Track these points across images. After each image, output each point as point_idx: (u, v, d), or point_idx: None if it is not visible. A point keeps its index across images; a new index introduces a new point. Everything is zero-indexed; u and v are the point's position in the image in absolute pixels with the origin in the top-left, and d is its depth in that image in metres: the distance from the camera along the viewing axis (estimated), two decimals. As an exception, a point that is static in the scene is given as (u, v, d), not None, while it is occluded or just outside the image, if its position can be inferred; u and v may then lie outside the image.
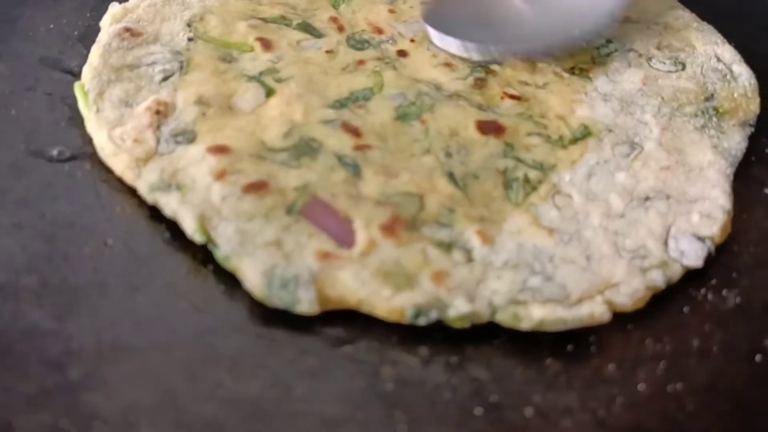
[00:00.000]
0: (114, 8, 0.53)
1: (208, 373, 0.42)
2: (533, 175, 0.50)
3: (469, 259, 0.46)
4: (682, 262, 0.47)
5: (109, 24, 0.52)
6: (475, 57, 0.54)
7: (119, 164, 0.47)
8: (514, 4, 0.56)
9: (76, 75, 0.51)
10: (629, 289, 0.46)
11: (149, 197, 0.46)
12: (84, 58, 0.51)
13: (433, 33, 0.55)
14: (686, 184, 0.50)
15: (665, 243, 0.48)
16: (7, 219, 0.45)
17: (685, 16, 0.59)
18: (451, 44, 0.55)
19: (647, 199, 0.49)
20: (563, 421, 0.42)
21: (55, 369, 0.40)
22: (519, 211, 0.48)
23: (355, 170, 0.48)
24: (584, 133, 0.52)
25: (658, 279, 0.46)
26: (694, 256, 0.47)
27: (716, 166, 0.51)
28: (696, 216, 0.49)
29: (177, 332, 0.43)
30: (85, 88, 0.49)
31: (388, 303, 0.44)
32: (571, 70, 0.55)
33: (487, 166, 0.49)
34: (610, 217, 0.48)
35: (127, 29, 0.52)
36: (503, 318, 0.44)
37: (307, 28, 0.54)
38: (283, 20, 0.54)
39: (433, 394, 0.42)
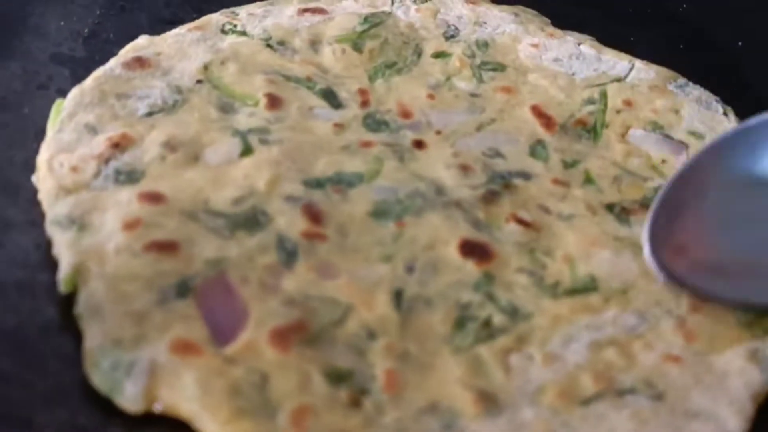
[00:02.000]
0: (141, 39, 0.50)
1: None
2: (498, 320, 0.39)
3: (356, 404, 0.36)
4: None
5: (125, 51, 0.49)
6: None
7: (43, 188, 0.43)
8: None
9: (89, 71, 0.48)
10: None
11: (48, 229, 0.41)
12: (95, 54, 0.50)
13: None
14: (694, 389, 0.37)
15: None
16: (21, 216, 0.43)
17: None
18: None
19: (631, 391, 0.37)
20: None
21: (72, 365, 0.38)
22: (455, 360, 0.38)
23: (290, 258, 0.40)
24: (588, 287, 0.41)
25: None
26: None
27: (745, 378, 0.38)
28: None
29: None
30: (61, 107, 0.46)
31: (221, 429, 0.35)
32: (610, 207, 0.44)
33: (448, 294, 0.40)
34: (569, 400, 0.37)
35: (137, 59, 0.48)
36: None
37: (328, 95, 0.48)
38: (306, 81, 0.48)
39: None
